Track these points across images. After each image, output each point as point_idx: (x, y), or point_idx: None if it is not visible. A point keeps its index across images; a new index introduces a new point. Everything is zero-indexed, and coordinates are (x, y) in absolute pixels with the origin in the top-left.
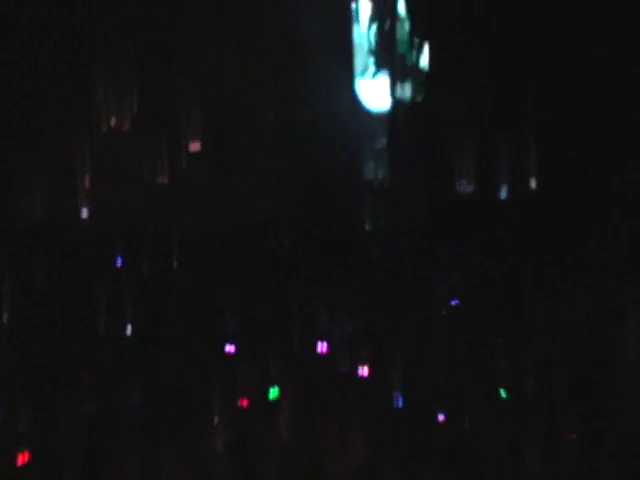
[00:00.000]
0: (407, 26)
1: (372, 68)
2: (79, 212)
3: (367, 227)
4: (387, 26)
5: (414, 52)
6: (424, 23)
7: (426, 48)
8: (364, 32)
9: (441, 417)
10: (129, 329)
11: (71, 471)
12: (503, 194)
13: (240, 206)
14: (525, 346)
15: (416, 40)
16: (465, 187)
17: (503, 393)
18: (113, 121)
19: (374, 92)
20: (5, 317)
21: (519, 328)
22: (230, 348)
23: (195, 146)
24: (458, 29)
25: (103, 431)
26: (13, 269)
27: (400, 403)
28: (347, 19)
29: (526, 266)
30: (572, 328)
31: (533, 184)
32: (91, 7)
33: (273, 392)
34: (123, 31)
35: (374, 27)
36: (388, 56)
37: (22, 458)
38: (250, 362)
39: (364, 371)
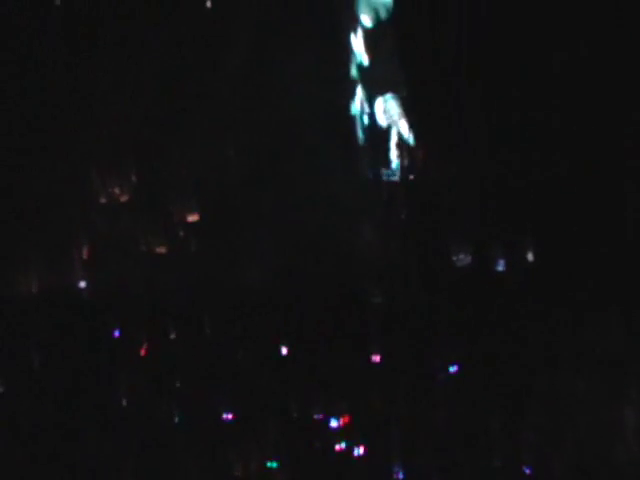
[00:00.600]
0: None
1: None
2: (77, 284)
3: (365, 298)
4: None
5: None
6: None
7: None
8: (358, 107)
9: None
10: (125, 400)
11: None
12: (500, 267)
13: (237, 278)
14: (523, 423)
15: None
16: (462, 260)
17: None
18: (111, 195)
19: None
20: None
21: (517, 404)
22: (228, 416)
23: (193, 217)
24: (450, 104)
25: None
26: (13, 340)
27: (400, 476)
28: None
29: (524, 340)
30: (570, 413)
31: (530, 257)
32: (93, 78)
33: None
34: (121, 105)
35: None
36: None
37: None
38: (248, 431)
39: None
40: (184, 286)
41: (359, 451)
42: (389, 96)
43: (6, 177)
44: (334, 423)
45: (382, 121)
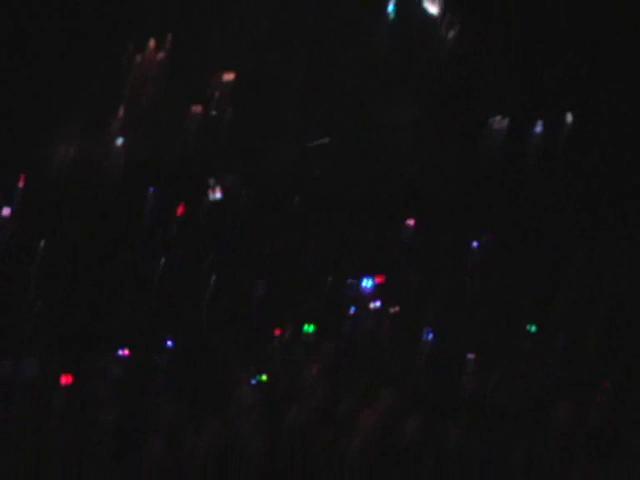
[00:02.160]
0: None
1: None
2: (113, 143)
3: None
4: None
5: None
6: None
7: None
8: None
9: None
10: (162, 261)
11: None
12: (538, 129)
13: (271, 144)
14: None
15: None
16: (499, 123)
17: (533, 328)
18: (147, 66)
19: None
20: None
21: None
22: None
23: (229, 75)
24: None
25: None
26: (51, 205)
27: (430, 337)
28: None
29: (559, 209)
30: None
31: (569, 119)
32: None
33: (308, 328)
34: None
35: None
36: None
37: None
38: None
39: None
40: (218, 149)
41: (392, 310)
42: None
43: (40, 43)
44: (368, 283)
45: None
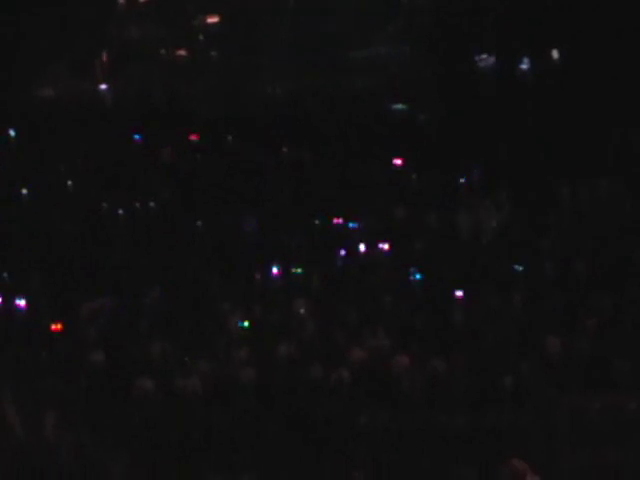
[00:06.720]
0: None
1: None
2: (97, 88)
3: (389, 107)
4: None
5: None
6: None
7: None
8: None
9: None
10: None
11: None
12: (524, 65)
13: (259, 83)
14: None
15: None
16: (485, 61)
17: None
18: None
19: None
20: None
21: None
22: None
23: (213, 19)
24: None
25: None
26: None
27: (417, 277)
28: None
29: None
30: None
31: (555, 55)
32: None
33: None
34: None
35: None
36: None
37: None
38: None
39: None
40: (204, 91)
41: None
42: None
43: None
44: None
45: None
